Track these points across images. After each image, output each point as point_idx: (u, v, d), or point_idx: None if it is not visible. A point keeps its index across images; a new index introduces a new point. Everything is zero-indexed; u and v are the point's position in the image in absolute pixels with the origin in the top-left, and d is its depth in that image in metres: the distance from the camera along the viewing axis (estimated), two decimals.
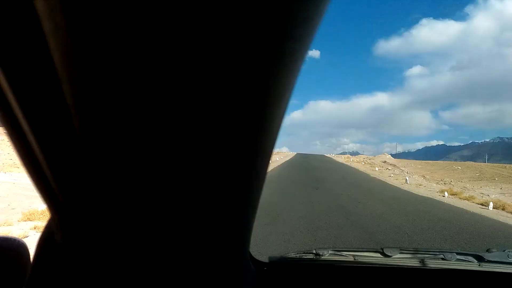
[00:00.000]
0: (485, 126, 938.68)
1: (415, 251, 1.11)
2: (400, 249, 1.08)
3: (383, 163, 32.65)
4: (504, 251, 1.10)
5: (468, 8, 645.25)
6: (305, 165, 22.89)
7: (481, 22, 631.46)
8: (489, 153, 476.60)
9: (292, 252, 1.13)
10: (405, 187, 12.37)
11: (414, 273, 0.98)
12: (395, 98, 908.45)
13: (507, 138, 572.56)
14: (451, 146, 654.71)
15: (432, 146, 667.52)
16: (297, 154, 50.77)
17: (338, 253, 1.10)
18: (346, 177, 15.34)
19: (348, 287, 0.94)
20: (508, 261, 1.05)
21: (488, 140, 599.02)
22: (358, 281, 0.95)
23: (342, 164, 28.80)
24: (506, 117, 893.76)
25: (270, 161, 0.38)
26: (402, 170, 23.70)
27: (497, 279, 1.00)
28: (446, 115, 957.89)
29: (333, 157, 48.83)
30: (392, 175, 18.90)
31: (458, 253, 1.07)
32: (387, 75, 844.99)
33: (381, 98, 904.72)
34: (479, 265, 1.02)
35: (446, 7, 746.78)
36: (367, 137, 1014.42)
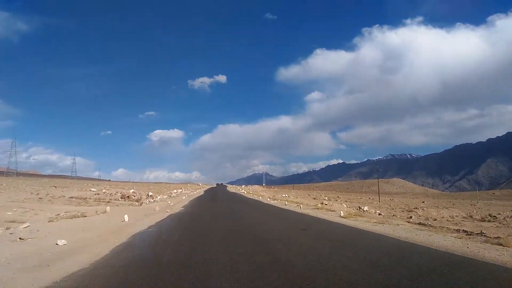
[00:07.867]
0: (378, 144, 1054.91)
1: None
2: None
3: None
4: None
5: (356, 40, 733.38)
6: None
7: (367, 52, 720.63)
8: (383, 169, 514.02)
9: None
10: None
11: None
12: (298, 121, 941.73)
13: (398, 154, 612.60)
14: (350, 164, 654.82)
15: (334, 165, 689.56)
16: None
17: None
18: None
19: None
20: None
21: (381, 157, 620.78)
22: None
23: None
24: (394, 136, 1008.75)
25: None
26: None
27: None
28: (343, 135, 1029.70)
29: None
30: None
31: None
32: (290, 100, 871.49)
33: (285, 121, 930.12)
34: None
35: (337, 39, 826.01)
36: (275, 158, 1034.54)
